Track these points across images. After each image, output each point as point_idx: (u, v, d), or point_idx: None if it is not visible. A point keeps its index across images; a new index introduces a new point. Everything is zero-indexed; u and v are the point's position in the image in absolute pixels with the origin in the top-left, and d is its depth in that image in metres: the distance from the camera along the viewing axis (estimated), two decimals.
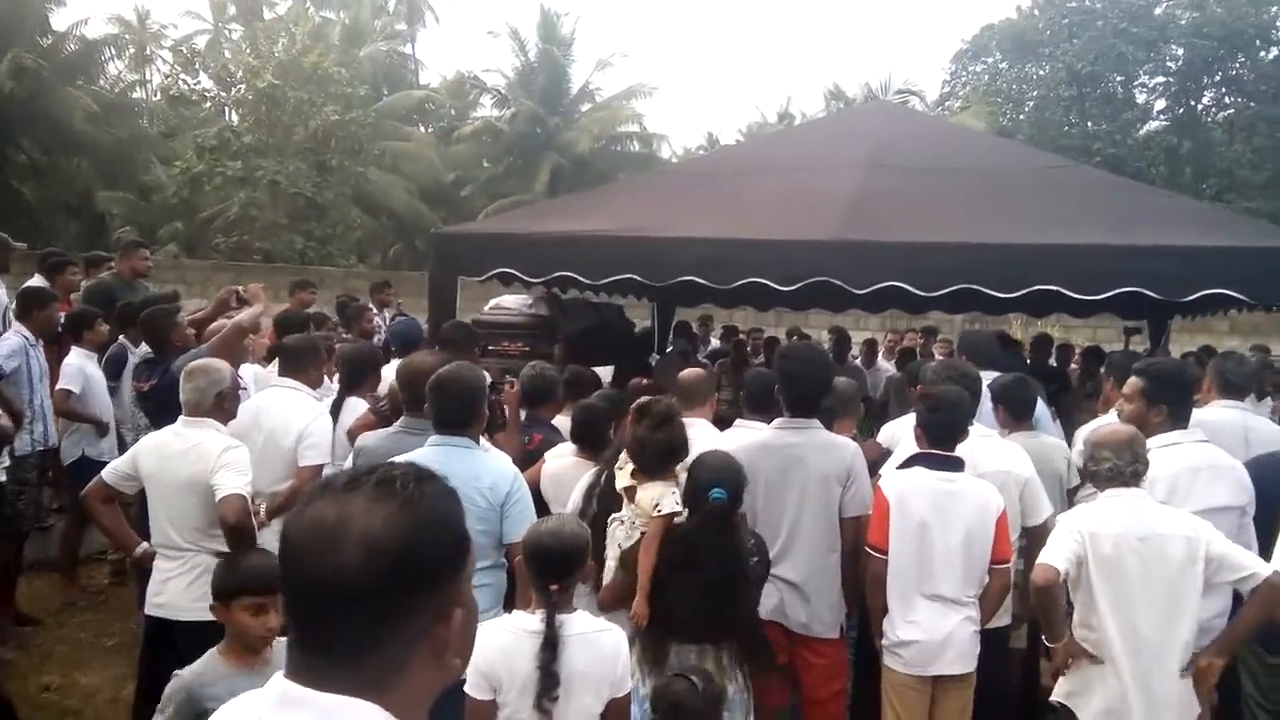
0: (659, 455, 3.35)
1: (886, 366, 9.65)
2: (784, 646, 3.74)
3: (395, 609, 1.02)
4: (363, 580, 1.00)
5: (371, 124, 22.54)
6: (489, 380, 5.28)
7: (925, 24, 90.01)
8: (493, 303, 8.07)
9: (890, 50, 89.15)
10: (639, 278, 5.95)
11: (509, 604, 3.25)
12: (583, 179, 25.08)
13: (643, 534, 3.31)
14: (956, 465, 3.57)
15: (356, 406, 4.74)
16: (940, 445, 3.60)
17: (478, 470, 3.32)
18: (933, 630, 3.44)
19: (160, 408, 4.42)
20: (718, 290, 6.22)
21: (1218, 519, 3.40)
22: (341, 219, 21.96)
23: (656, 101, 70.87)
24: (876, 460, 4.44)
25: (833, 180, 6.34)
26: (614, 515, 3.43)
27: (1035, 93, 33.98)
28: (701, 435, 4.15)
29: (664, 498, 3.28)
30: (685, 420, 4.28)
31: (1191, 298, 4.98)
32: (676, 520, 3.30)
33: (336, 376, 5.02)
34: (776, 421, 3.88)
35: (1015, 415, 4.47)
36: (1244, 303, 5.29)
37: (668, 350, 9.38)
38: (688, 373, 4.64)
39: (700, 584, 3.17)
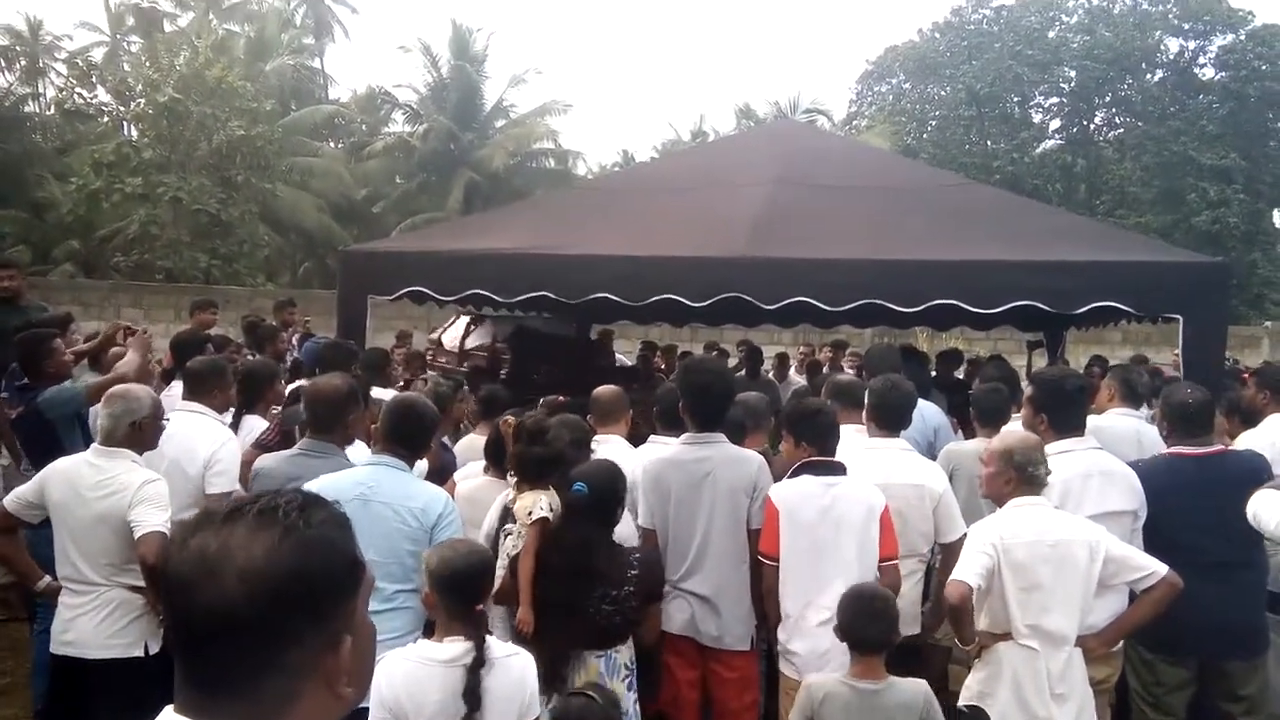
0: (534, 467, 3.45)
1: (798, 380, 9.81)
2: (696, 661, 3.77)
3: (280, 639, 1.01)
4: (244, 611, 0.99)
5: (279, 139, 22.02)
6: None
7: (832, 45, 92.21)
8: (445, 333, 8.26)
9: (799, 70, 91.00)
10: (553, 295, 5.96)
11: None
12: (498, 195, 24.97)
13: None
14: (838, 470, 3.67)
15: (254, 424, 4.61)
16: (823, 453, 3.70)
17: (410, 491, 3.30)
18: (825, 635, 3.50)
19: (29, 438, 4.23)
20: (631, 306, 6.26)
21: (1111, 523, 3.56)
22: (248, 236, 21.37)
23: (571, 118, 71.14)
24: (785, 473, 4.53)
25: (742, 197, 6.46)
26: (505, 527, 3.48)
27: (937, 112, 35.10)
28: (615, 452, 4.18)
29: (536, 505, 3.37)
30: (599, 437, 4.35)
31: (1082, 310, 5.22)
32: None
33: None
34: (684, 437, 3.92)
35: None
36: (1131, 314, 5.56)
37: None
38: (602, 390, 4.64)
39: (561, 581, 3.26)
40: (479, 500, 3.83)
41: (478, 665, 2.53)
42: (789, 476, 3.75)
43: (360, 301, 6.03)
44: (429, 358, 9.42)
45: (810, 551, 3.53)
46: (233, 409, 4.71)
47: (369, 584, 1.13)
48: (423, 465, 3.70)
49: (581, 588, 3.32)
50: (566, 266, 5.74)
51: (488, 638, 2.66)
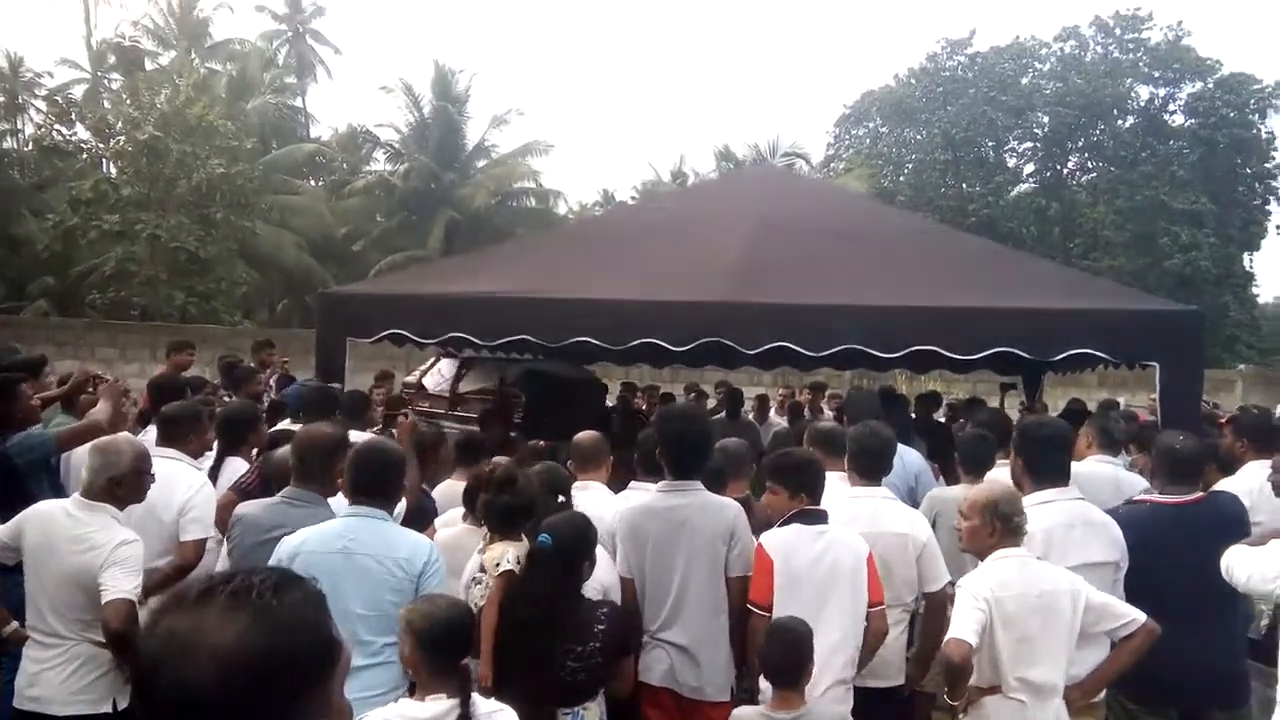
0: (502, 516, 3.44)
1: (779, 421, 9.82)
2: (675, 712, 3.71)
3: None
4: (216, 693, 0.97)
5: (259, 177, 22.05)
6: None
7: (810, 89, 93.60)
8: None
9: (778, 113, 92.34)
10: (534, 339, 5.95)
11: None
12: (479, 235, 25.05)
13: None
14: (824, 518, 3.67)
15: (237, 467, 4.55)
16: (811, 501, 3.70)
17: (392, 541, 3.25)
18: (817, 684, 3.46)
19: None
20: (612, 350, 6.26)
21: (1093, 574, 3.56)
22: (226, 274, 21.28)
23: (553, 158, 71.46)
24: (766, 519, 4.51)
25: (723, 242, 6.50)
26: (473, 578, 3.44)
27: (914, 156, 35.66)
28: (595, 499, 4.15)
29: (504, 556, 3.34)
30: (579, 483, 4.32)
31: (1059, 357, 5.26)
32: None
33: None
34: (660, 484, 3.90)
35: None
36: (1107, 361, 5.61)
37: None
38: (582, 435, 4.62)
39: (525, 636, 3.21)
40: (458, 548, 3.77)
41: None
42: (779, 525, 3.73)
43: (339, 344, 6.00)
44: (408, 401, 9.30)
45: (806, 600, 3.50)
46: (212, 452, 4.65)
47: (345, 664, 1.11)
48: (401, 507, 3.66)
49: (546, 642, 3.26)
50: (547, 310, 5.74)
51: (475, 696, 2.61)
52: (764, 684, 3.56)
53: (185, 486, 4.04)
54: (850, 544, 3.62)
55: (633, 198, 33.04)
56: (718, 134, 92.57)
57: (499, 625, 3.27)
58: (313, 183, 30.09)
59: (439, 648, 2.58)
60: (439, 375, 9.38)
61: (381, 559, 3.14)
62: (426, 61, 42.35)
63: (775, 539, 3.65)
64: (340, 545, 3.12)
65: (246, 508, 3.72)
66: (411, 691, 2.81)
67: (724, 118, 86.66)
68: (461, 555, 3.67)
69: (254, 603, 1.02)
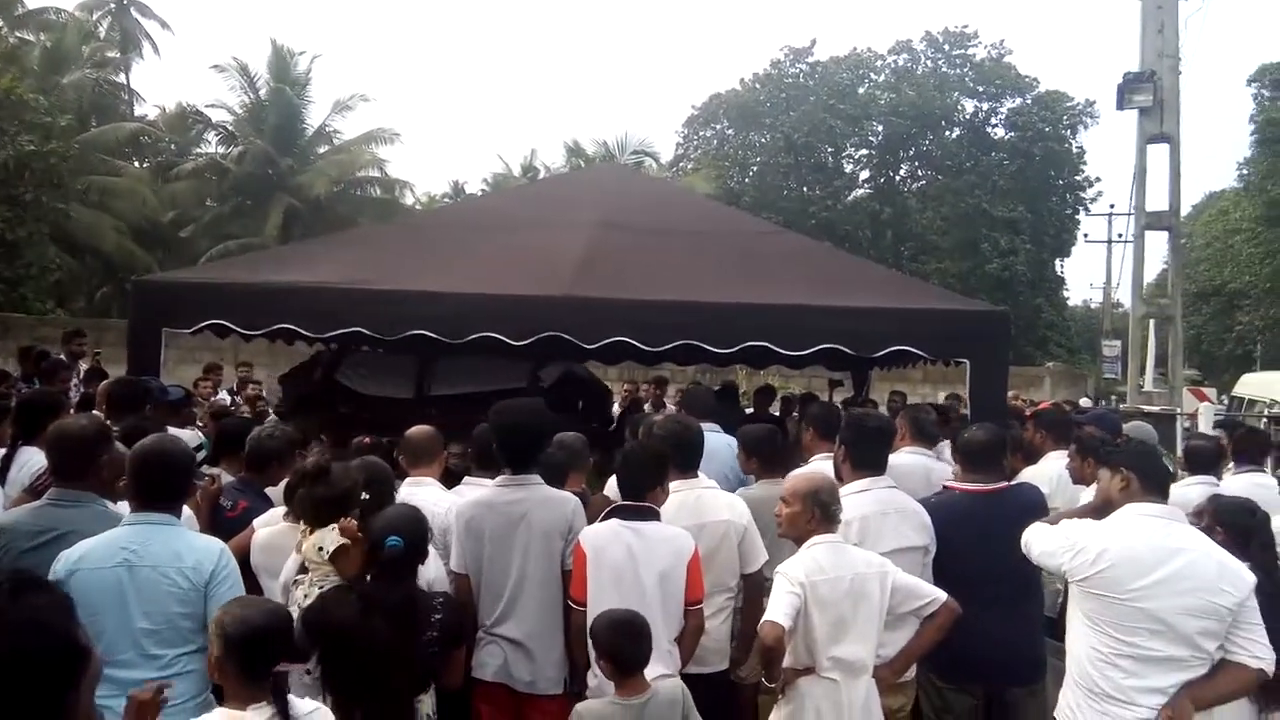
0: (322, 507, 3.34)
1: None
2: (509, 707, 3.70)
3: None
4: None
5: (75, 156, 20.53)
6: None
7: (660, 88, 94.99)
8: None
9: (628, 110, 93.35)
10: (366, 331, 5.79)
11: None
12: (320, 223, 24.17)
13: (320, 589, 3.24)
14: (649, 515, 3.69)
15: (32, 458, 4.19)
16: (631, 496, 3.73)
17: (178, 549, 3.06)
18: None
19: None
20: (450, 344, 6.16)
21: (904, 558, 3.77)
22: (36, 259, 19.73)
23: (401, 148, 69.67)
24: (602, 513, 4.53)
25: (565, 238, 6.51)
26: (296, 577, 3.34)
27: (758, 159, 36.73)
28: (427, 494, 4.07)
29: (325, 539, 3.27)
30: (411, 479, 4.23)
31: (881, 354, 5.54)
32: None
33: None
34: (498, 479, 3.87)
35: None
36: (925, 358, 5.94)
37: None
38: (414, 430, 4.51)
39: (374, 644, 3.13)
40: (276, 547, 3.63)
41: None
42: (600, 520, 3.75)
43: (154, 335, 5.65)
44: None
45: (616, 595, 3.52)
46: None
47: (95, 672, 1.04)
48: (189, 514, 3.48)
49: (407, 640, 3.19)
50: (381, 302, 5.60)
51: (291, 699, 2.51)
52: (593, 678, 3.59)
53: None
54: (672, 542, 3.63)
55: (483, 190, 32.64)
56: (569, 129, 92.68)
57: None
58: (137, 164, 28.22)
59: (250, 653, 2.46)
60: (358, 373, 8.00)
61: (165, 569, 2.96)
62: (263, 40, 40.40)
63: (591, 535, 3.67)
64: (121, 558, 2.94)
65: (8, 516, 3.45)
66: (219, 699, 2.69)
67: (575, 113, 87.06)
68: (279, 556, 3.54)
69: None
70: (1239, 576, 3.09)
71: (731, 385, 9.96)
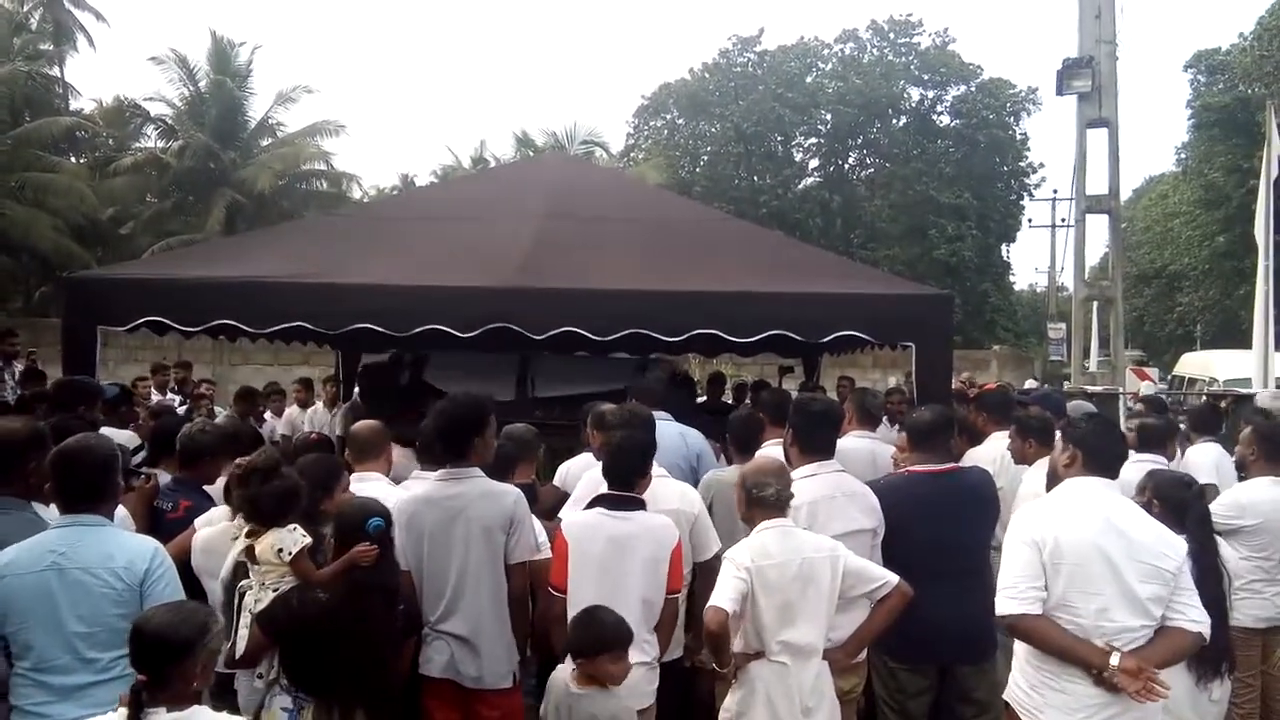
0: (275, 503, 3.32)
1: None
2: (457, 703, 3.66)
3: None
4: None
5: (7, 151, 19.93)
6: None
7: (610, 77, 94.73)
8: None
9: (578, 100, 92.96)
10: (310, 325, 5.68)
11: None
12: (265, 217, 23.75)
13: (275, 590, 3.21)
14: (635, 504, 3.69)
15: None
16: (618, 486, 3.72)
17: (110, 550, 2.98)
18: None
19: None
20: (399, 337, 6.07)
21: (853, 540, 3.79)
22: None
23: (348, 141, 68.88)
24: (556, 504, 4.51)
25: (513, 229, 6.46)
26: (240, 584, 3.28)
27: (709, 148, 36.81)
28: (373, 490, 4.01)
29: (284, 539, 3.24)
30: (358, 475, 4.17)
31: (828, 339, 5.57)
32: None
33: None
34: (439, 473, 3.82)
35: (740, 449, 4.73)
36: (871, 342, 5.98)
37: (354, 399, 9.00)
38: (359, 425, 4.45)
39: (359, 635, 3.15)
40: (216, 549, 3.56)
41: None
42: (584, 508, 3.75)
43: (89, 333, 5.49)
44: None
45: (596, 585, 3.53)
46: None
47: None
48: (124, 514, 3.39)
49: (393, 622, 3.29)
50: (324, 296, 5.49)
51: (190, 710, 2.33)
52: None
53: None
54: (656, 530, 3.66)
55: (432, 182, 32.28)
56: (518, 119, 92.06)
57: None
58: (74, 159, 27.47)
59: (144, 658, 2.34)
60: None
61: (97, 571, 2.89)
62: (202, 32, 39.53)
63: (572, 523, 3.68)
64: (50, 561, 2.86)
65: None
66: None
67: (525, 103, 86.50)
68: (218, 558, 3.48)
69: None
70: (1175, 542, 3.17)
71: (682, 373, 9.96)
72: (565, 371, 7.63)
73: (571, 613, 3.53)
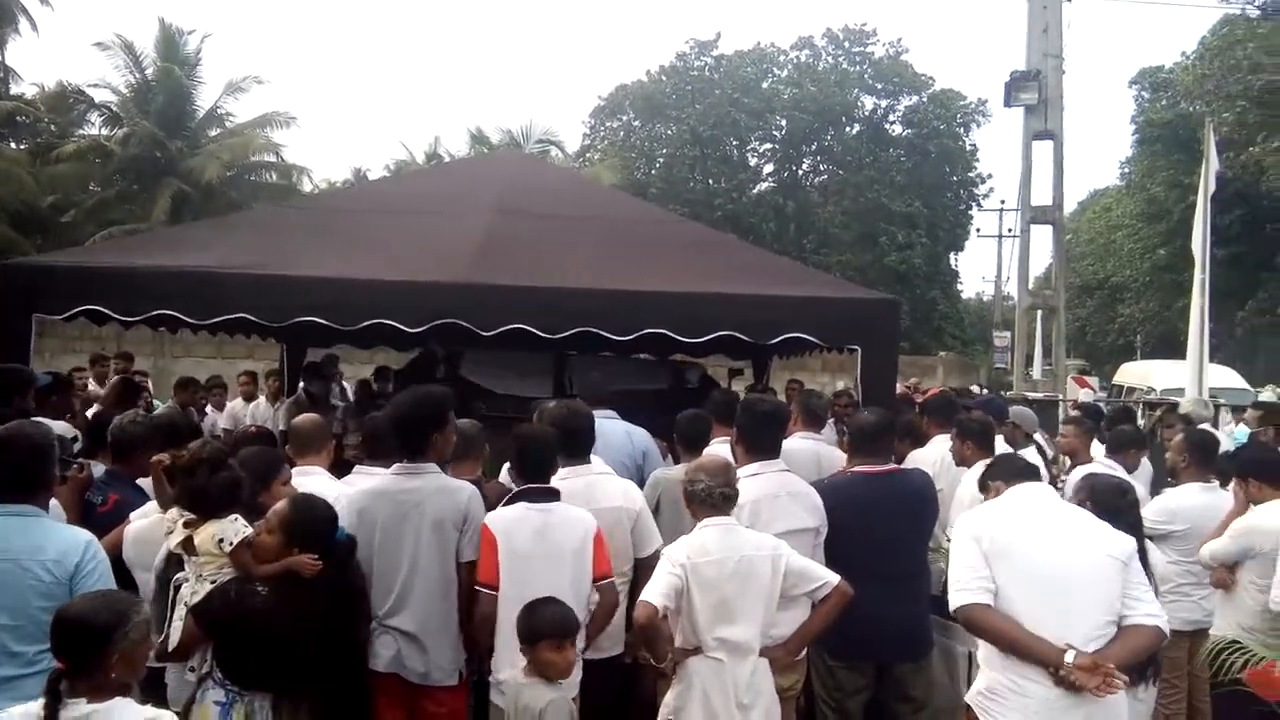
0: (223, 493, 3.28)
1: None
2: (403, 699, 3.64)
3: None
4: None
5: None
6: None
7: (566, 77, 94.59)
8: None
9: (534, 98, 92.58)
10: (254, 318, 5.59)
11: None
12: (212, 208, 23.27)
13: (212, 583, 3.17)
14: (553, 496, 3.73)
15: None
16: (534, 479, 3.76)
17: (41, 542, 2.92)
18: None
19: None
20: (347, 331, 6.00)
21: (796, 539, 3.84)
22: None
23: (299, 133, 67.85)
24: (499, 500, 4.49)
25: (464, 224, 6.41)
26: (176, 577, 3.23)
27: (665, 151, 36.90)
28: (315, 484, 3.96)
29: (225, 530, 3.20)
30: (300, 468, 4.12)
31: (776, 340, 5.62)
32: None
33: None
34: (395, 467, 3.79)
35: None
36: (819, 345, 6.04)
37: (298, 393, 8.88)
38: (301, 419, 4.41)
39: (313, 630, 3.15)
40: (149, 540, 3.49)
41: None
42: (504, 504, 3.73)
43: (23, 321, 5.34)
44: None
45: (530, 577, 3.52)
46: None
47: None
48: (56, 506, 3.32)
49: (350, 628, 3.31)
50: (269, 287, 5.40)
51: (113, 701, 2.30)
52: (494, 666, 3.57)
53: None
54: (577, 521, 3.69)
55: (384, 177, 31.91)
56: (473, 116, 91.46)
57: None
58: (13, 145, 26.71)
59: (64, 645, 2.31)
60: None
61: (25, 563, 2.84)
62: (150, 18, 38.68)
63: (498, 518, 3.66)
64: None
65: None
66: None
67: (480, 100, 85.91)
68: (152, 550, 3.42)
69: None
70: (1121, 536, 3.21)
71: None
72: (605, 370, 7.65)
73: (503, 608, 3.54)
